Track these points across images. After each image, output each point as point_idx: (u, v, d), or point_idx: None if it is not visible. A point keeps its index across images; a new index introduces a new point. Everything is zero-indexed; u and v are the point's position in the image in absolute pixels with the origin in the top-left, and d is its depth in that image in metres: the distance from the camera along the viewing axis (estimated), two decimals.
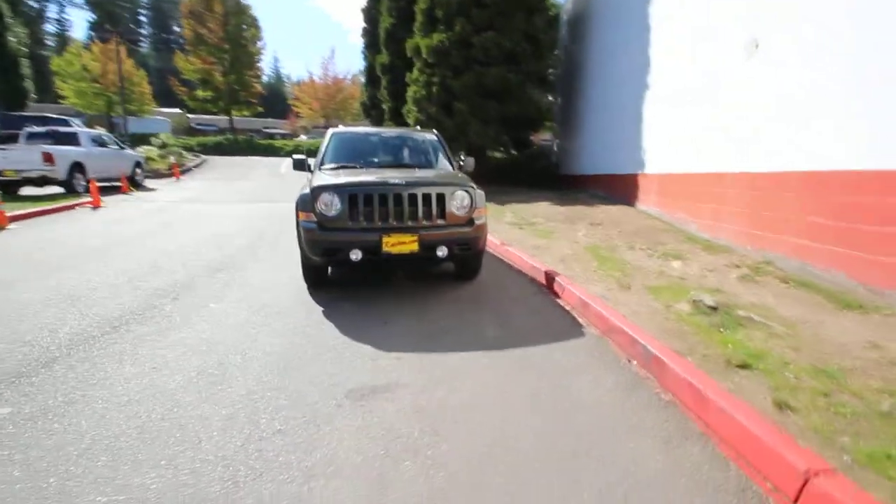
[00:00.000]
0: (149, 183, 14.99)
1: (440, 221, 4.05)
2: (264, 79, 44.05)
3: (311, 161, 5.10)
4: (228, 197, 12.51)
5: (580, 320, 3.66)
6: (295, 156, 5.25)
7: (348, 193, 3.93)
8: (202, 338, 3.23)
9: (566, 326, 3.54)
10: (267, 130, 46.49)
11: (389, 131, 5.66)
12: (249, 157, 26.76)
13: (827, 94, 4.18)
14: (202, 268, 5.05)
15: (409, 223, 3.95)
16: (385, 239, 3.85)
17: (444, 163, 5.29)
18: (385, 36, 15.87)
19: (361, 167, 4.93)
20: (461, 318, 3.73)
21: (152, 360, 2.86)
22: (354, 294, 4.29)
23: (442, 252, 4.02)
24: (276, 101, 54.15)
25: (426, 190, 4.02)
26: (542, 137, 19.55)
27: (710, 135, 5.88)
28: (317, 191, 3.95)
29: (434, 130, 5.72)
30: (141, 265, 5.08)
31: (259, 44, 34.30)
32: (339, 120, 43.26)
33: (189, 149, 24.18)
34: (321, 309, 3.87)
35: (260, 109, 36.68)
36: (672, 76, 7.04)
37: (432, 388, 2.56)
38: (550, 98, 14.03)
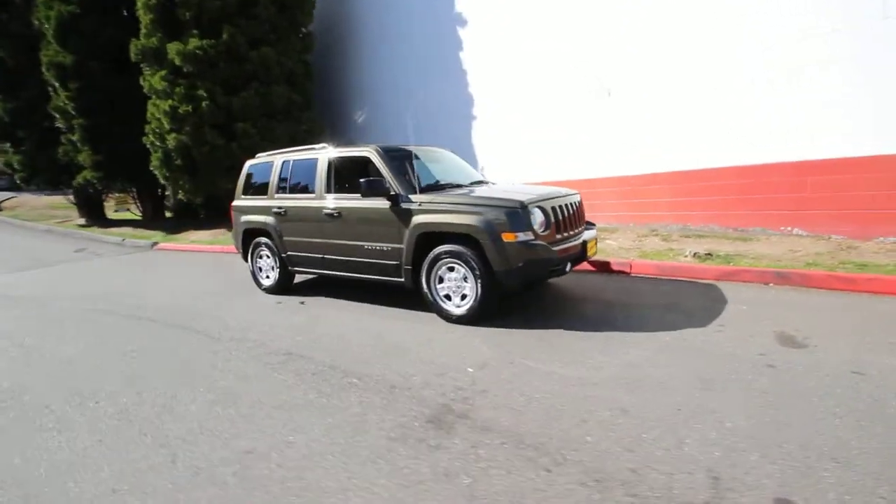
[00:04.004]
0: None
1: None
2: None
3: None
4: None
5: (681, 280, 5.06)
6: (366, 179, 4.18)
7: (550, 206, 3.90)
8: None
9: (687, 286, 4.85)
10: None
11: (422, 149, 5.15)
12: None
13: (674, 123, 7.13)
14: None
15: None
16: (588, 245, 4.06)
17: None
18: (58, 27, 11.24)
19: (438, 186, 4.57)
20: (609, 309, 4.23)
21: None
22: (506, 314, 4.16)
23: None
24: None
25: (578, 199, 4.42)
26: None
27: (578, 152, 8.26)
28: (526, 206, 3.71)
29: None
30: None
31: None
32: None
33: None
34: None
35: None
36: (514, 110, 9.09)
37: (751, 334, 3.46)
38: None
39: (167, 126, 10.36)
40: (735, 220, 6.66)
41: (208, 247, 9.84)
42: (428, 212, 4.01)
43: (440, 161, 5.18)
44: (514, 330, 3.75)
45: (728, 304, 4.08)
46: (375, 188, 4.17)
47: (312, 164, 4.94)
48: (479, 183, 4.89)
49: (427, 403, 2.65)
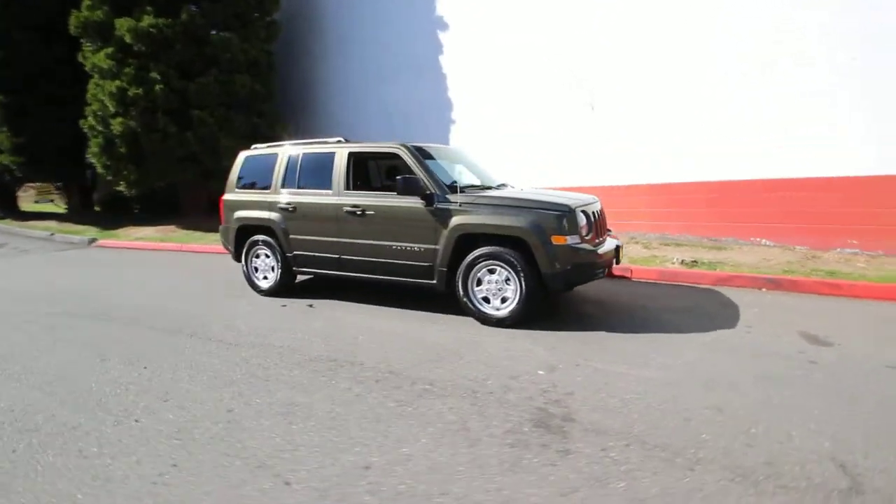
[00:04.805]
0: None
1: None
2: None
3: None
4: None
5: (681, 284, 5.37)
6: (402, 177, 4.00)
7: (592, 211, 3.98)
8: None
9: (690, 290, 5.17)
10: None
11: (441, 148, 5.01)
12: None
13: (653, 138, 7.58)
14: None
15: None
16: (619, 250, 4.18)
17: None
18: None
19: (470, 187, 4.50)
20: (635, 312, 4.49)
21: None
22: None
23: None
24: None
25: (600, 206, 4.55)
26: None
27: (561, 162, 8.50)
28: (573, 209, 3.77)
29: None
30: None
31: None
32: None
33: None
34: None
35: None
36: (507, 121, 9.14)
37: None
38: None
39: (112, 109, 9.30)
40: (708, 231, 7.22)
41: (160, 244, 8.94)
42: (470, 212, 3.93)
43: (462, 161, 5.11)
44: (556, 332, 3.77)
45: (739, 308, 4.39)
46: (412, 186, 4.01)
47: (328, 158, 4.66)
48: (503, 185, 4.88)
49: (521, 408, 2.57)
